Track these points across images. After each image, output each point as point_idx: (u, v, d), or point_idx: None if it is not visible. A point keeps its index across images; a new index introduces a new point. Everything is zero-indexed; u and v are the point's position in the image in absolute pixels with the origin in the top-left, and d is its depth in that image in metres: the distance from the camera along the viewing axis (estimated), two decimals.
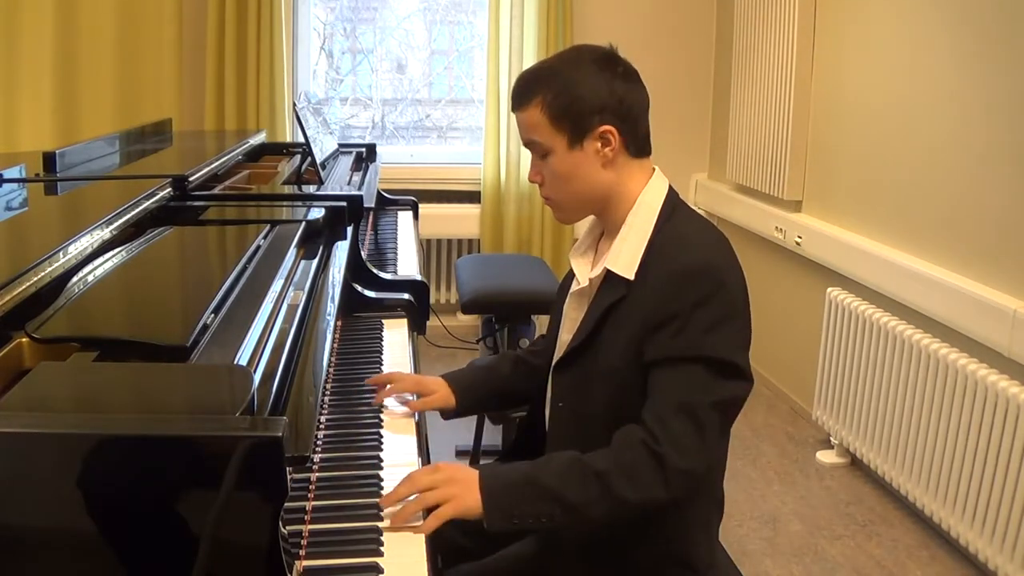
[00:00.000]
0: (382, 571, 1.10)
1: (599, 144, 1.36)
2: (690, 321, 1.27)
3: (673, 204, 1.40)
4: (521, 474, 1.26)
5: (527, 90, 1.37)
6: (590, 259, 1.47)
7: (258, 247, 1.55)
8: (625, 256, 1.36)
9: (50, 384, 0.95)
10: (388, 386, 1.58)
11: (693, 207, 1.45)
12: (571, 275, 1.51)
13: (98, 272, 1.32)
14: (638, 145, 1.39)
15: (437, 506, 1.22)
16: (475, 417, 2.88)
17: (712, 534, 1.46)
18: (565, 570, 1.41)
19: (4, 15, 3.26)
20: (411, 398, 1.59)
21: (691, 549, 1.40)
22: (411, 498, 1.23)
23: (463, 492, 1.23)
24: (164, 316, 1.24)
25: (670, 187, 1.42)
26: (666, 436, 1.25)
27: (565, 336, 1.46)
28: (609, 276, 1.37)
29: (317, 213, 1.88)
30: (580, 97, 1.34)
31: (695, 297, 1.27)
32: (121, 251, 1.44)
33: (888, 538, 2.63)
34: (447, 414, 1.61)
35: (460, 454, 3.02)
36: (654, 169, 1.43)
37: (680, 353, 1.28)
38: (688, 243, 1.34)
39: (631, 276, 1.34)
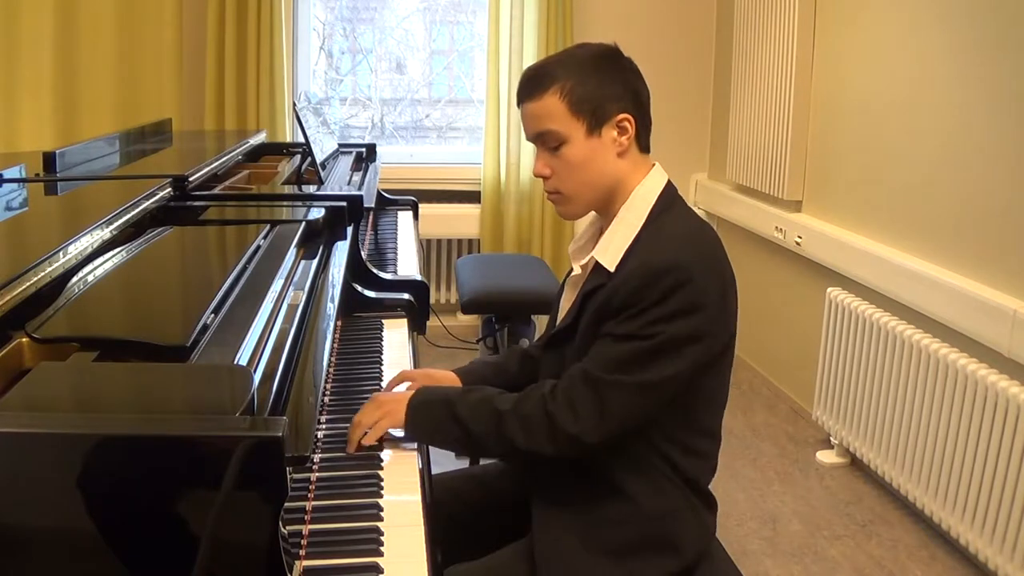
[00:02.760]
0: (382, 571, 1.10)
1: (616, 132, 1.38)
2: (646, 311, 1.30)
3: (669, 200, 1.41)
4: (443, 398, 1.41)
5: (543, 78, 1.37)
6: (588, 251, 1.49)
7: (258, 247, 1.55)
8: (612, 248, 1.39)
9: (50, 384, 0.95)
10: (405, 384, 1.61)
11: (692, 206, 1.47)
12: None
13: (98, 272, 1.32)
14: (646, 139, 1.43)
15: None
16: None
17: (703, 525, 1.46)
18: (564, 569, 1.41)
19: (4, 15, 3.26)
20: None
21: (678, 535, 1.41)
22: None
23: (395, 408, 1.40)
24: (164, 316, 1.24)
25: (668, 183, 1.43)
26: (565, 398, 1.33)
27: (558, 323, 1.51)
28: (597, 265, 1.41)
29: (317, 213, 1.88)
30: (599, 85, 1.36)
31: (656, 293, 1.30)
32: (121, 251, 1.44)
33: (888, 538, 2.63)
34: None
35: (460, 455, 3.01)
36: (653, 164, 1.44)
37: (619, 331, 1.32)
38: (664, 240, 1.36)
39: (612, 267, 1.37)
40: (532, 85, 1.38)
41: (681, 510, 1.42)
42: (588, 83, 1.35)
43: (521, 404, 1.36)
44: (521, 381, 1.64)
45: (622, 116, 1.37)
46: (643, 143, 1.42)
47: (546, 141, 1.39)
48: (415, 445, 1.43)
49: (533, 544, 1.43)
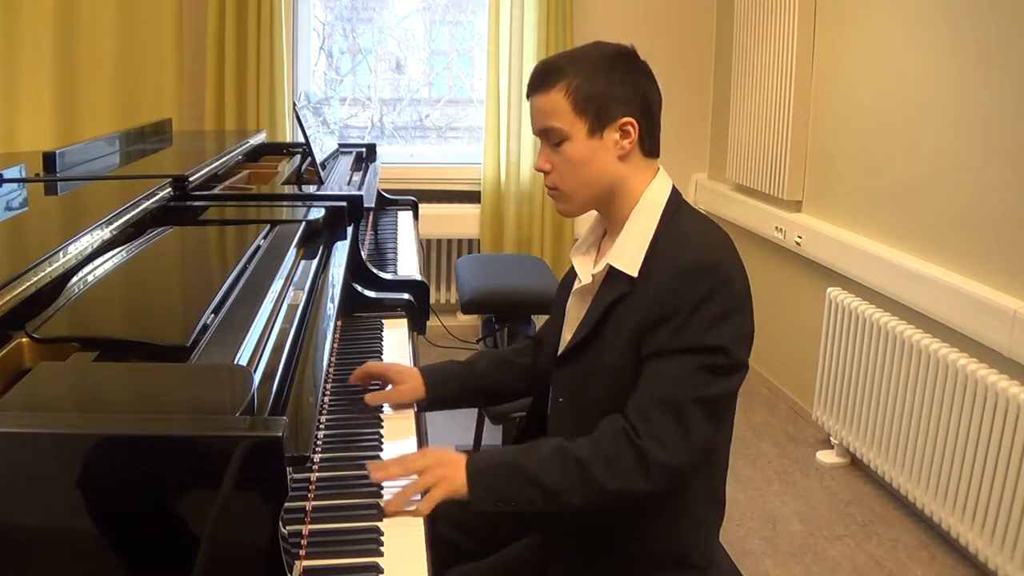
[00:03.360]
0: (382, 571, 1.10)
1: (618, 135, 1.36)
2: (692, 317, 1.28)
3: (677, 203, 1.40)
4: (506, 458, 1.31)
5: (551, 74, 1.36)
6: (592, 257, 1.47)
7: (258, 247, 1.55)
8: (628, 253, 1.36)
9: (50, 384, 0.95)
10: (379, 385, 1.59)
11: (692, 206, 1.46)
12: (572, 273, 1.51)
13: (98, 272, 1.32)
14: (652, 144, 1.41)
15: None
16: (475, 417, 2.88)
17: (712, 533, 1.46)
18: (564, 570, 1.41)
19: (4, 15, 3.26)
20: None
21: (691, 547, 1.40)
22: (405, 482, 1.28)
23: (452, 474, 1.29)
24: (164, 316, 1.24)
25: (673, 187, 1.42)
26: (647, 429, 1.27)
27: (567, 334, 1.46)
28: (612, 273, 1.38)
29: (317, 213, 1.88)
30: (607, 86, 1.35)
31: (698, 294, 1.28)
32: (121, 251, 1.44)
33: (888, 538, 2.63)
34: (420, 405, 1.60)
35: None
36: (659, 168, 1.43)
37: (676, 346, 1.28)
38: (691, 240, 1.34)
39: (635, 273, 1.34)
40: (541, 79, 1.37)
41: (697, 523, 1.41)
42: (596, 83, 1.34)
43: (602, 446, 1.29)
44: (488, 382, 1.62)
45: (626, 119, 1.36)
46: (648, 148, 1.40)
47: (549, 137, 1.38)
48: (413, 440, 1.43)
49: (539, 551, 1.42)
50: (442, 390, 1.59)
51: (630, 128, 1.36)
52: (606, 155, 1.37)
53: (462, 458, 1.31)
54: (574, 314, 1.46)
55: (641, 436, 1.27)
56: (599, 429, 1.31)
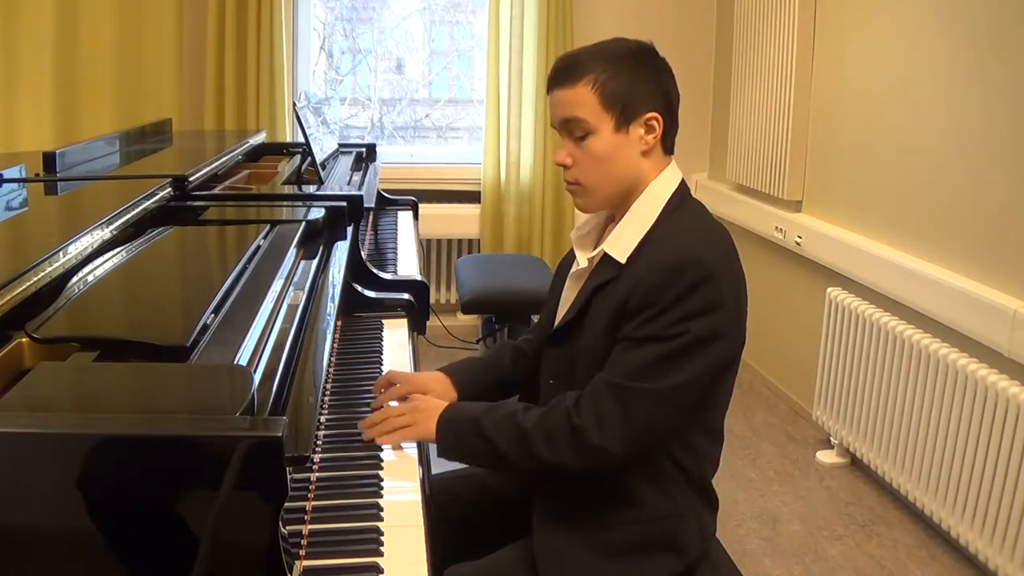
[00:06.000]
0: (382, 571, 1.11)
1: (643, 131, 1.38)
2: (667, 311, 1.29)
3: (682, 197, 1.42)
4: (472, 415, 1.40)
5: (578, 67, 1.37)
6: (593, 241, 1.49)
7: (258, 247, 1.55)
8: (623, 241, 1.38)
9: (50, 384, 0.95)
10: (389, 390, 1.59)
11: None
12: (570, 256, 1.53)
13: (98, 272, 1.32)
14: (671, 140, 1.43)
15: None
16: None
17: (704, 524, 1.46)
18: (563, 567, 1.41)
19: (4, 15, 3.26)
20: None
21: (681, 536, 1.41)
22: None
23: (424, 419, 1.41)
24: (164, 316, 1.24)
25: (682, 181, 1.43)
26: (590, 410, 1.31)
27: (560, 316, 1.48)
28: (605, 258, 1.40)
29: (317, 213, 1.88)
30: (633, 81, 1.36)
31: (678, 290, 1.29)
32: (121, 251, 1.44)
33: (888, 538, 2.63)
34: None
35: None
36: (671, 163, 1.44)
37: (643, 334, 1.30)
38: (683, 236, 1.35)
39: (623, 260, 1.36)
40: (566, 73, 1.37)
41: (685, 511, 1.42)
42: (622, 78, 1.35)
43: (545, 419, 1.34)
44: (513, 376, 1.64)
45: (651, 115, 1.37)
46: (668, 144, 1.42)
47: (572, 130, 1.38)
48: (414, 445, 1.43)
49: (533, 544, 1.43)
50: (471, 391, 1.62)
51: (655, 123, 1.38)
52: (630, 150, 1.38)
53: (439, 407, 1.42)
54: (567, 297, 1.48)
55: (581, 415, 1.31)
56: (552, 402, 1.36)
